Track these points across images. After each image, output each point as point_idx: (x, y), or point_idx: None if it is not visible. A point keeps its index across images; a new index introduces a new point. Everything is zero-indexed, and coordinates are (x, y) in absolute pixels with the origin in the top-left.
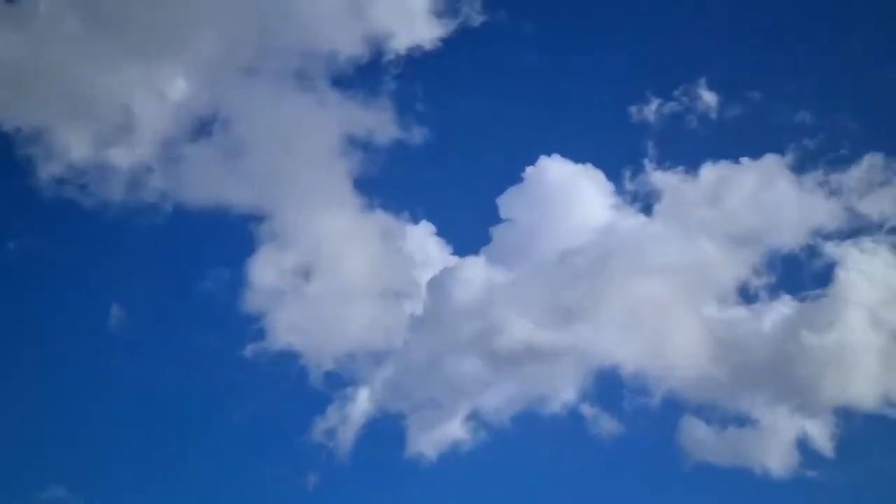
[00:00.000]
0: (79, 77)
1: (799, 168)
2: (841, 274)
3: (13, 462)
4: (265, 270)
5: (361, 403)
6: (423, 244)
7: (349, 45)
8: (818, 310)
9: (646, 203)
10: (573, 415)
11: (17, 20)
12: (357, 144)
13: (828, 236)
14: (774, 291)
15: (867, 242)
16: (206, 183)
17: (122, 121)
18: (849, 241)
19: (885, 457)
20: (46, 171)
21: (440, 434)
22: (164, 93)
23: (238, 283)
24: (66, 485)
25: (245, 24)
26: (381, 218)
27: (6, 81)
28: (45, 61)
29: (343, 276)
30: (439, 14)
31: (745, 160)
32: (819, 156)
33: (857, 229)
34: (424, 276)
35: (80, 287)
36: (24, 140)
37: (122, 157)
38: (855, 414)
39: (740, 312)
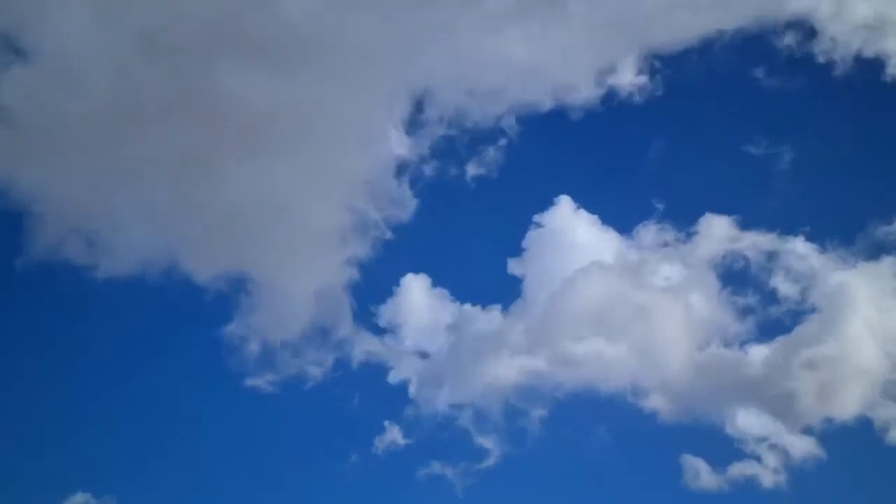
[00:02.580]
0: None
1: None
2: (827, 297)
3: (37, 469)
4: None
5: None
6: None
7: None
8: (806, 335)
9: (649, 250)
10: (580, 448)
11: None
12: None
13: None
14: (767, 330)
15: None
16: None
17: None
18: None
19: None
20: None
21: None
22: None
23: None
24: (91, 491)
25: None
26: None
27: None
28: None
29: None
30: None
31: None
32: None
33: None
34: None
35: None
36: None
37: None
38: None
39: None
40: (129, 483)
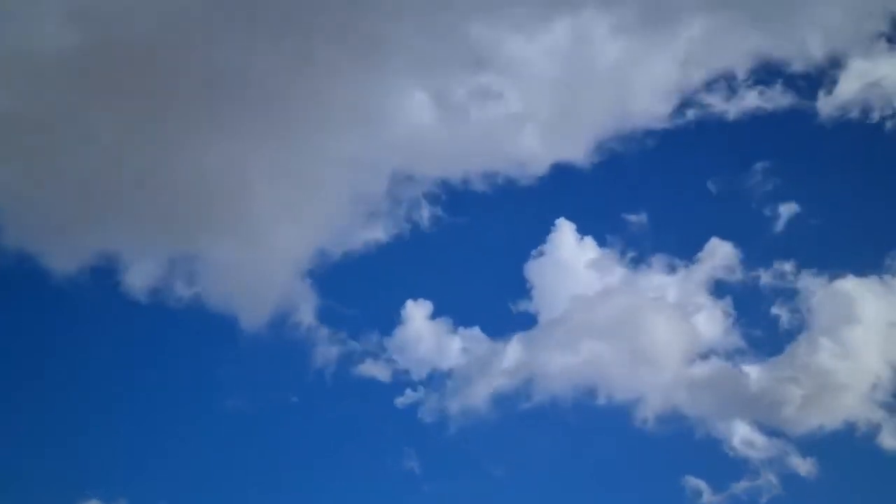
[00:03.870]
0: None
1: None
2: (820, 313)
3: (47, 475)
4: None
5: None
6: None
7: None
8: (802, 350)
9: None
10: (586, 466)
11: None
12: None
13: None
14: (765, 347)
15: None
16: None
17: None
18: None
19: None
20: None
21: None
22: None
23: None
24: (101, 497)
25: None
26: None
27: None
28: None
29: None
30: None
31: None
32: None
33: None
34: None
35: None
36: None
37: None
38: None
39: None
40: (141, 488)
